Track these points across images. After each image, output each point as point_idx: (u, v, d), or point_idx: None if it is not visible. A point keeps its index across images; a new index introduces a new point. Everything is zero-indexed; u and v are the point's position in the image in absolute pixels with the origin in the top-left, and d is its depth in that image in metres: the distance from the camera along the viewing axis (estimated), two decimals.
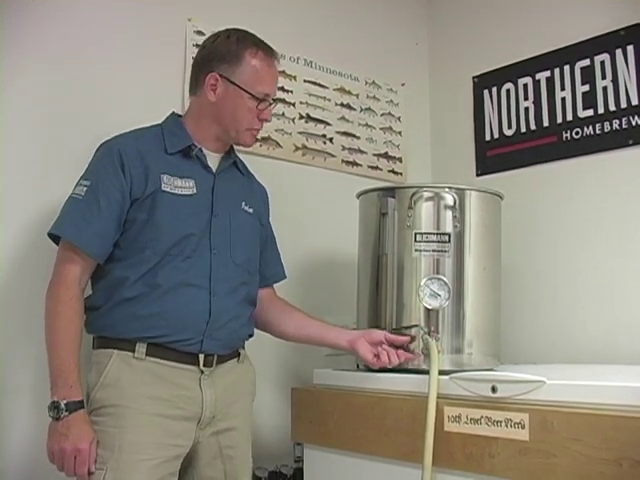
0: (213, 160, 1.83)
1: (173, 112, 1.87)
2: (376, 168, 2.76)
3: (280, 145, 2.47)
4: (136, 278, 1.66)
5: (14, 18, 1.91)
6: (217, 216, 1.77)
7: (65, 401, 1.56)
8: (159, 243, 1.68)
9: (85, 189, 1.66)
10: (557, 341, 2.39)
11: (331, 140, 2.62)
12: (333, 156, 2.62)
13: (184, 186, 1.73)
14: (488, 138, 2.73)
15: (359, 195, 2.08)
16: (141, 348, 1.65)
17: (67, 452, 1.55)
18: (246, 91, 1.75)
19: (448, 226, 1.88)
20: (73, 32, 2.03)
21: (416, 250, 1.88)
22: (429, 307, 1.85)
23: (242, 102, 1.76)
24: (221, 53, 1.76)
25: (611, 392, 1.48)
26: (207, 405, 1.71)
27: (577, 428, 1.45)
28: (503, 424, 1.56)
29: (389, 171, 2.80)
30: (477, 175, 2.74)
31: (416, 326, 1.86)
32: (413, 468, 1.68)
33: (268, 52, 1.80)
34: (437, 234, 1.88)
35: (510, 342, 2.20)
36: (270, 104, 1.82)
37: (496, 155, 2.69)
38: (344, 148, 2.66)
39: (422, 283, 1.86)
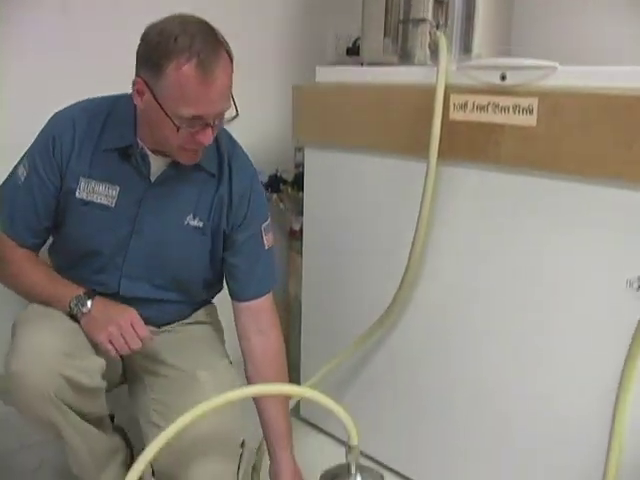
0: (158, 164, 1.53)
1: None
2: None
3: None
4: (57, 262, 1.63)
5: None
6: (139, 233, 1.54)
7: (75, 295, 1.48)
8: (67, 252, 1.58)
9: (25, 174, 1.52)
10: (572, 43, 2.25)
11: None
12: None
13: (104, 194, 1.51)
14: None
15: None
16: None
17: (123, 325, 1.45)
18: (166, 113, 1.37)
19: None
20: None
21: None
22: None
23: (166, 121, 1.38)
24: (145, 56, 1.38)
25: (627, 75, 1.40)
26: None
27: (588, 113, 1.41)
28: (511, 110, 1.52)
29: None
30: None
31: (424, 20, 1.76)
32: (417, 162, 1.67)
33: (203, 64, 1.32)
34: None
35: (522, 46, 2.10)
36: (208, 125, 1.40)
37: None
38: None
39: None
